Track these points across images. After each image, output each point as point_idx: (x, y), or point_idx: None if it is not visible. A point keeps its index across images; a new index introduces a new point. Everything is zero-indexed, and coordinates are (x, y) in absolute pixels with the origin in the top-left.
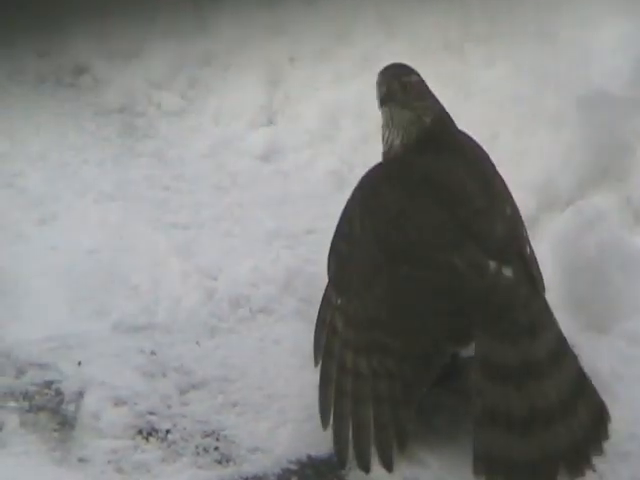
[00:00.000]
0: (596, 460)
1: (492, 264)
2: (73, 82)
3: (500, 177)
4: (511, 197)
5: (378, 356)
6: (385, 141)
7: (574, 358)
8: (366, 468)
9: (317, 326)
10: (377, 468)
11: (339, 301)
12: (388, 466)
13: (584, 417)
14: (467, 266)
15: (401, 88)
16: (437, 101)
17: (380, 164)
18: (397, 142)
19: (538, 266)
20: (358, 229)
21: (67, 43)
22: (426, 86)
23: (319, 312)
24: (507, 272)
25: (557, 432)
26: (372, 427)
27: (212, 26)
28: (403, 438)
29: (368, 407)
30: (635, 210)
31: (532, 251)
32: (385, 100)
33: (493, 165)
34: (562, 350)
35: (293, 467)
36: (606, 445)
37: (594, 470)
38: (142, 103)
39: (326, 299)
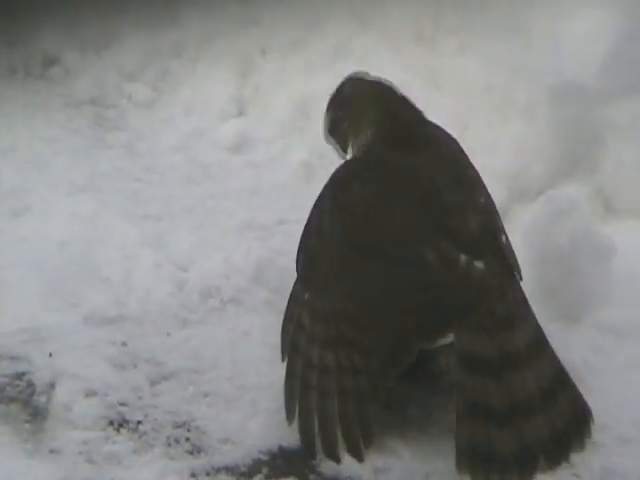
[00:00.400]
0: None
1: (463, 257)
2: (43, 73)
3: (473, 167)
4: (485, 188)
5: (345, 351)
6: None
7: (552, 350)
8: (336, 460)
9: (284, 322)
10: (348, 459)
11: (307, 296)
12: (358, 457)
13: (564, 409)
14: (438, 260)
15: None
16: (390, 101)
17: (351, 160)
18: (358, 145)
19: (515, 255)
20: (328, 225)
21: (37, 34)
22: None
23: (287, 308)
24: (479, 265)
25: (537, 423)
26: (338, 421)
27: (183, 17)
28: (369, 432)
29: (334, 401)
30: (606, 200)
31: (508, 240)
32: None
33: (466, 156)
34: (541, 341)
35: (264, 458)
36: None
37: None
38: (113, 95)
39: (294, 295)
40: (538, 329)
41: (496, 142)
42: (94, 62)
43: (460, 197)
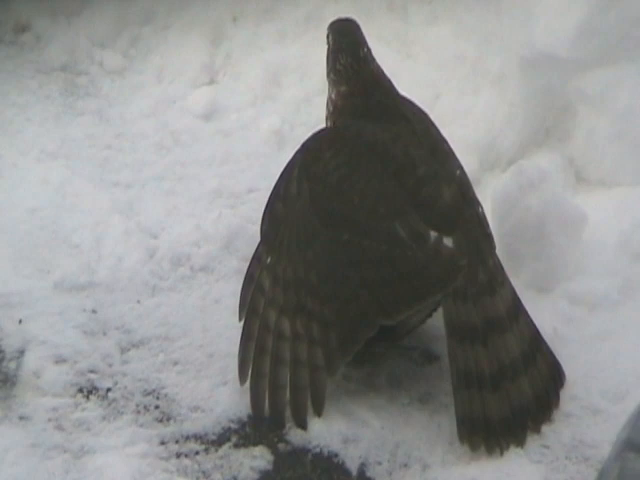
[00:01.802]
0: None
1: (433, 234)
2: (14, 40)
3: (446, 141)
4: (458, 160)
5: (302, 320)
6: (326, 102)
7: (527, 313)
8: (281, 425)
9: (244, 282)
10: (317, 427)
11: (269, 260)
12: (302, 427)
13: (543, 369)
14: (409, 235)
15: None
16: (352, 76)
17: (324, 129)
18: (331, 105)
19: (488, 224)
20: (295, 191)
21: (8, 1)
22: (333, 57)
23: (248, 268)
24: (448, 242)
25: (522, 385)
26: (288, 388)
27: None
28: (320, 403)
29: (286, 368)
30: (577, 170)
31: (482, 210)
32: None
33: (437, 129)
34: (517, 305)
35: (234, 426)
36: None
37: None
38: (84, 61)
39: (256, 257)
40: (514, 293)
41: (467, 112)
42: (65, 29)
43: (435, 169)
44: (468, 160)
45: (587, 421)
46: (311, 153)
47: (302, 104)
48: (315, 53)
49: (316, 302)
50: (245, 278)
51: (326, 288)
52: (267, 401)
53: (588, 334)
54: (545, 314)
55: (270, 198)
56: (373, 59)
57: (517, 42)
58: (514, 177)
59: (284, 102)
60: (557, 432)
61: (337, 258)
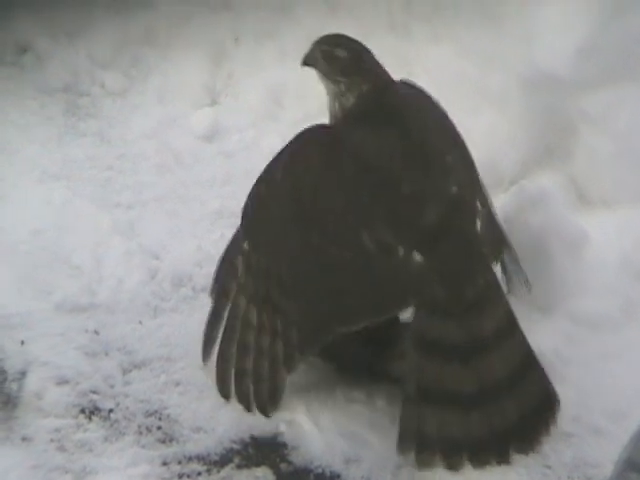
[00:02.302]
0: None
1: (401, 249)
2: (16, 61)
3: (456, 148)
4: (463, 171)
5: (268, 312)
6: (329, 111)
7: (522, 334)
8: (248, 409)
9: (219, 262)
10: (319, 447)
11: (245, 245)
12: (264, 414)
13: (533, 397)
14: (375, 246)
15: (323, 57)
16: (374, 74)
17: (320, 126)
18: (334, 112)
19: (500, 228)
20: (279, 180)
21: (9, 21)
22: (357, 62)
23: (225, 249)
24: (417, 258)
25: (506, 407)
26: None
27: (155, 4)
28: (276, 396)
29: (250, 357)
30: (579, 190)
31: (492, 226)
32: (303, 62)
33: (448, 133)
34: (512, 326)
35: (236, 447)
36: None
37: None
38: (86, 82)
39: (235, 240)
40: (509, 313)
41: (468, 131)
42: (66, 49)
43: (422, 188)
44: None
45: (589, 441)
46: (299, 146)
47: (303, 124)
48: (316, 74)
49: (282, 297)
50: (221, 258)
51: (293, 285)
52: (233, 386)
53: (590, 354)
54: (546, 334)
55: (257, 180)
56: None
57: (518, 61)
58: (515, 197)
59: (285, 122)
60: (559, 452)
61: (306, 259)
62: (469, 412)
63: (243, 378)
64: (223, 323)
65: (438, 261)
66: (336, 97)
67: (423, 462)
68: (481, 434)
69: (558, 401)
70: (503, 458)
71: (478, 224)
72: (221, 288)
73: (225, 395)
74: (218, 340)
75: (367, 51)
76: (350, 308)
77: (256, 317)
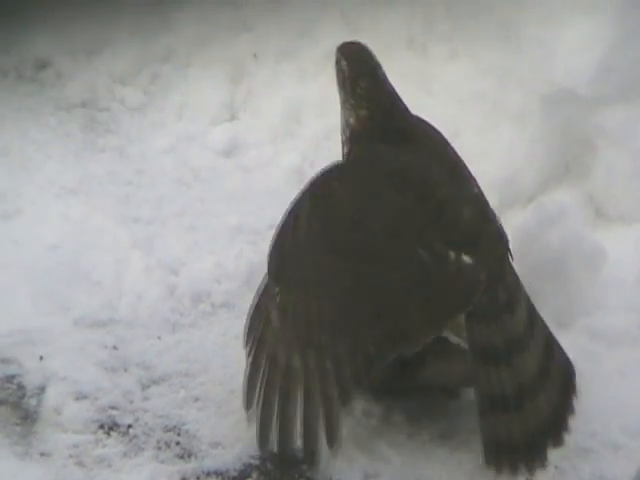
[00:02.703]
0: (557, 457)
1: (452, 253)
2: (35, 77)
3: (461, 160)
4: (474, 178)
5: (314, 353)
6: (341, 128)
7: (540, 318)
8: (289, 460)
9: (252, 310)
10: (338, 464)
11: (277, 293)
12: (312, 459)
13: (557, 379)
14: (429, 257)
15: (335, 61)
16: (371, 100)
17: (335, 164)
18: (342, 122)
19: (508, 240)
20: (305, 227)
21: (29, 38)
22: (352, 81)
23: (256, 299)
24: (467, 259)
25: (540, 402)
26: (299, 420)
27: (175, 22)
28: (334, 434)
29: (296, 402)
30: (597, 207)
31: (501, 226)
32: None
33: (453, 149)
34: (532, 316)
35: (255, 462)
36: (567, 440)
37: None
38: (105, 98)
39: (265, 287)
40: (529, 303)
41: (487, 148)
42: (86, 66)
43: (454, 190)
44: (488, 196)
45: (607, 457)
46: (321, 188)
47: (322, 141)
48: (335, 90)
49: (328, 336)
50: (252, 307)
51: (339, 321)
52: (275, 432)
53: (608, 370)
54: (565, 349)
55: (279, 230)
56: (388, 80)
57: (537, 79)
58: (534, 213)
59: (304, 139)
60: (577, 468)
61: (350, 291)
62: (517, 414)
63: (287, 423)
64: (262, 372)
65: (482, 261)
66: (340, 106)
67: (514, 469)
68: (526, 435)
69: (574, 370)
70: (542, 459)
71: (498, 223)
72: (257, 337)
73: (264, 442)
74: (257, 390)
75: (369, 73)
76: (409, 327)
77: (300, 362)
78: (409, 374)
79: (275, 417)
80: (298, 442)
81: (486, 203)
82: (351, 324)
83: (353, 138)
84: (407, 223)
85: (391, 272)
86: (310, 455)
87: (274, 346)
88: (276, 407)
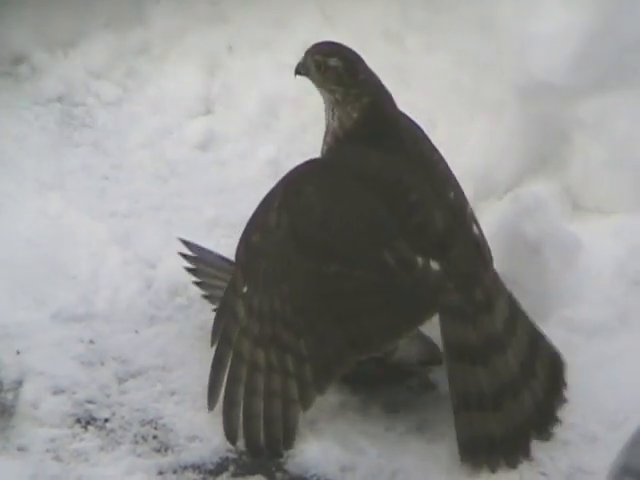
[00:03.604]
0: (534, 449)
1: (419, 259)
2: (10, 71)
3: (442, 159)
4: (454, 178)
5: (277, 352)
6: (325, 120)
7: (524, 315)
8: (258, 455)
9: (218, 308)
10: (314, 456)
11: (245, 289)
12: (277, 454)
13: (542, 374)
14: (396, 262)
15: (316, 66)
16: (371, 85)
17: (306, 162)
18: (331, 122)
19: (486, 242)
20: (274, 224)
21: (4, 32)
22: (353, 71)
23: (223, 295)
24: (434, 266)
25: (523, 399)
26: (262, 419)
27: (150, 16)
28: (291, 437)
29: (260, 399)
30: (573, 199)
31: (480, 229)
32: (296, 71)
33: (433, 146)
34: (514, 313)
35: (232, 456)
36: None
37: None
38: (80, 92)
39: (232, 284)
40: (510, 301)
41: (464, 140)
42: (61, 60)
43: (427, 195)
44: (464, 188)
45: (585, 448)
46: (292, 186)
47: (298, 133)
48: (311, 83)
49: (291, 335)
50: (219, 305)
51: (302, 321)
52: (242, 430)
53: (585, 361)
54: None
55: (247, 227)
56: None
57: (513, 70)
58: (510, 205)
59: (280, 131)
60: (555, 459)
61: (317, 291)
62: (495, 412)
63: (253, 422)
64: (227, 369)
65: (451, 266)
66: (333, 106)
67: (492, 466)
68: (507, 433)
69: (564, 363)
70: (526, 454)
71: (474, 226)
72: (223, 335)
73: (232, 439)
74: (223, 386)
75: (361, 60)
76: (378, 329)
77: (264, 358)
78: (377, 360)
79: (241, 414)
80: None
81: (463, 208)
82: (313, 326)
83: (338, 134)
84: (375, 226)
85: (356, 275)
86: (274, 455)
87: (240, 342)
88: (242, 405)
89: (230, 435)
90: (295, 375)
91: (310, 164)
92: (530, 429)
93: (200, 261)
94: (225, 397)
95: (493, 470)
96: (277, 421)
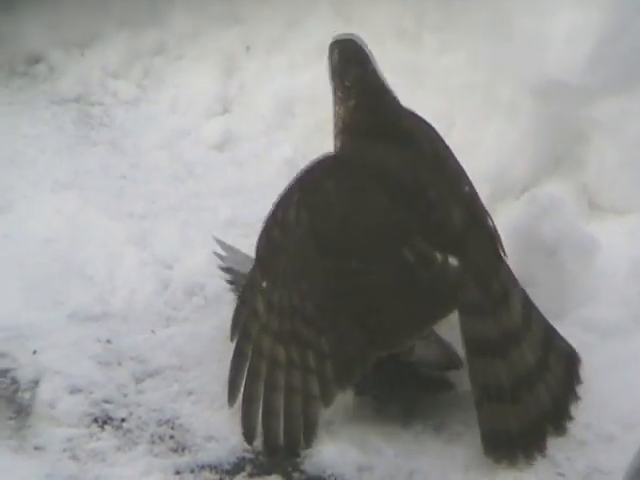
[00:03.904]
0: (551, 449)
1: (438, 256)
2: (27, 71)
3: (453, 155)
4: (466, 174)
5: (298, 348)
6: (334, 120)
7: (537, 310)
8: (275, 453)
9: (237, 304)
10: (332, 456)
11: (264, 284)
12: (295, 454)
13: (557, 369)
14: (415, 258)
15: (329, 53)
16: (359, 91)
17: (325, 157)
18: (334, 116)
19: (499, 235)
20: (293, 220)
21: (21, 32)
22: (341, 73)
23: (242, 290)
24: (453, 261)
25: (539, 392)
26: (282, 415)
27: (166, 16)
28: (311, 434)
29: (280, 395)
30: (590, 198)
31: (492, 221)
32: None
33: (444, 143)
34: (528, 306)
35: (248, 455)
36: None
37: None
38: (98, 92)
39: (251, 279)
40: (524, 296)
41: (479, 140)
42: (78, 60)
43: (444, 191)
44: (480, 188)
45: (601, 449)
46: (310, 183)
47: (314, 133)
48: (326, 82)
49: (312, 332)
50: (238, 300)
51: (322, 319)
52: (261, 427)
53: (600, 361)
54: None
55: (267, 223)
56: (381, 75)
57: (528, 70)
58: (526, 205)
59: (296, 131)
60: (571, 460)
61: (337, 288)
62: (513, 405)
63: (272, 418)
64: (247, 365)
65: (470, 261)
66: (333, 98)
67: (512, 460)
68: (524, 427)
69: (579, 359)
70: (541, 448)
71: (488, 219)
72: (242, 330)
73: (250, 437)
74: (243, 383)
75: (359, 63)
76: (393, 328)
77: (284, 355)
78: (396, 360)
79: (260, 412)
80: (281, 438)
81: (477, 201)
82: (333, 323)
83: (345, 130)
84: (394, 224)
85: (376, 273)
86: (292, 452)
87: (259, 338)
88: (261, 401)
89: (248, 432)
90: (316, 372)
91: (328, 159)
92: (546, 423)
93: (232, 261)
94: (244, 393)
95: (512, 463)
96: (297, 417)
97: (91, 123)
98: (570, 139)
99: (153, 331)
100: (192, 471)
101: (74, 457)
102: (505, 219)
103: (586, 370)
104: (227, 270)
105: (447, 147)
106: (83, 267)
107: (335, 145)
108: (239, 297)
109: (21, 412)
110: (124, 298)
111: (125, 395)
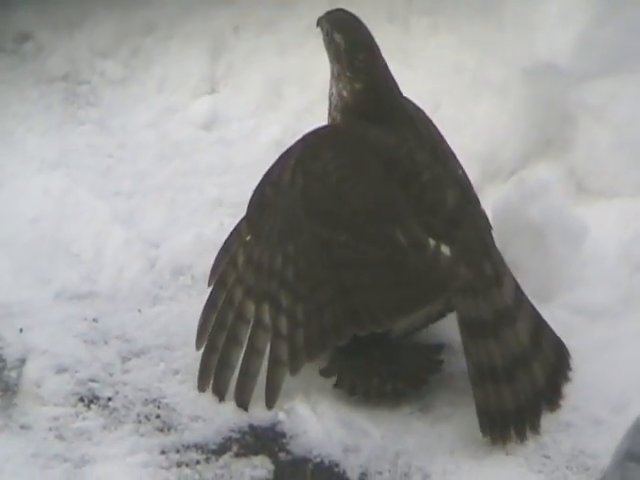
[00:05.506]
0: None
1: (432, 242)
2: (15, 49)
3: (444, 140)
4: (457, 158)
5: (271, 311)
6: (329, 99)
7: (526, 297)
8: (221, 397)
9: (220, 250)
10: (318, 437)
11: (248, 237)
12: (244, 409)
13: (549, 351)
14: (407, 242)
15: (326, 33)
16: (368, 73)
17: (326, 126)
18: (331, 95)
19: (487, 219)
20: (287, 182)
21: (9, 10)
22: (350, 54)
23: (226, 239)
24: (445, 250)
25: (533, 372)
26: (237, 370)
27: None
28: (274, 397)
29: (239, 350)
30: (578, 181)
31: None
32: (317, 22)
33: (436, 128)
34: (519, 291)
35: (234, 435)
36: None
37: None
38: (85, 71)
39: (237, 231)
40: (514, 280)
41: (468, 122)
42: (67, 39)
43: (438, 173)
44: (469, 170)
45: (588, 431)
46: (310, 149)
47: (303, 114)
48: (316, 63)
49: (289, 298)
50: (221, 248)
51: (303, 286)
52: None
53: (589, 345)
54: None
55: (262, 180)
56: (381, 54)
57: (518, 53)
58: (515, 187)
59: (285, 112)
60: (558, 442)
61: (324, 259)
62: (508, 384)
63: (224, 369)
64: (216, 313)
65: (462, 244)
66: (333, 78)
67: (505, 438)
68: (518, 406)
69: (568, 351)
70: (535, 426)
71: (479, 201)
72: (219, 277)
73: (203, 384)
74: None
75: (368, 44)
76: (375, 308)
77: (253, 312)
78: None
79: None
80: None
81: (468, 183)
82: (313, 292)
83: (345, 110)
84: (390, 203)
85: (364, 248)
86: (241, 406)
87: (233, 288)
88: (219, 352)
89: (202, 379)
90: (287, 338)
91: (329, 130)
92: (540, 402)
93: None
94: (208, 339)
95: (505, 441)
96: (252, 378)
97: (79, 102)
98: (559, 122)
99: (139, 310)
100: (178, 451)
101: (60, 436)
102: (493, 202)
103: (574, 353)
104: None
105: (437, 130)
106: (70, 246)
107: (328, 119)
108: (224, 243)
109: (7, 391)
110: (111, 277)
111: (111, 374)
